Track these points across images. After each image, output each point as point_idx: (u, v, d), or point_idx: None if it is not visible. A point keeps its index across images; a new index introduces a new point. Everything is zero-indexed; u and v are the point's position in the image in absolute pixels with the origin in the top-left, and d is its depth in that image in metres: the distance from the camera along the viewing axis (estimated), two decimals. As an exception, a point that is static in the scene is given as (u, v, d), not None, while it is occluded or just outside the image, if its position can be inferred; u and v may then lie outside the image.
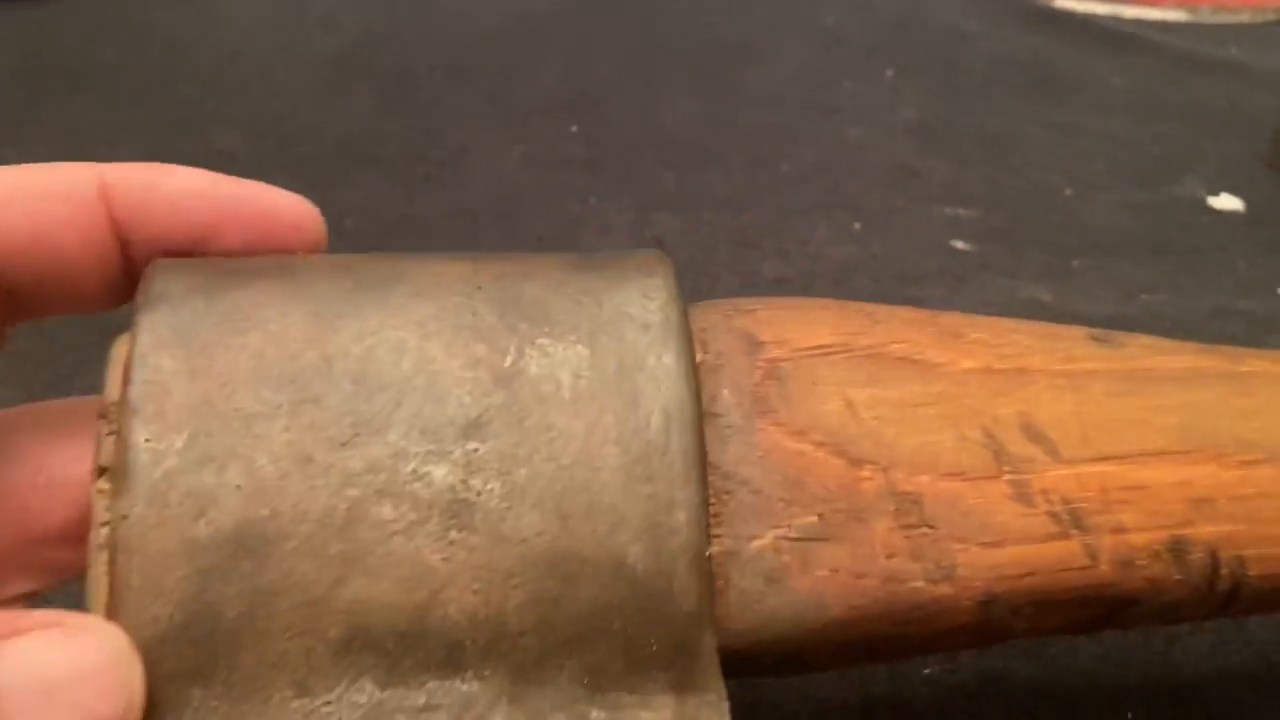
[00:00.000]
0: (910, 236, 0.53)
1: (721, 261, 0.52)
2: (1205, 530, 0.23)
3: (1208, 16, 0.72)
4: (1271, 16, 0.72)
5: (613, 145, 0.60)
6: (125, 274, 0.23)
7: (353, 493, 0.19)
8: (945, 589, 0.21)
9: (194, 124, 0.57)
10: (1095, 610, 0.23)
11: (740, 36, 0.70)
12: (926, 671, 0.33)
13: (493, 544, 0.19)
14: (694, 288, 0.50)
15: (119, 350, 0.20)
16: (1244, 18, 0.72)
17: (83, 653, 0.17)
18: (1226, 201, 0.55)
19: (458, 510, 0.19)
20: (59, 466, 0.24)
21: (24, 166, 0.23)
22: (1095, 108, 0.63)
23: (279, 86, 0.62)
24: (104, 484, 0.19)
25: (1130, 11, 0.73)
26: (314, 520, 0.19)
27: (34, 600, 0.25)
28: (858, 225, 0.54)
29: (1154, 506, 0.23)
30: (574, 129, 0.61)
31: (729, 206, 0.55)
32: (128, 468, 0.19)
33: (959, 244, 0.53)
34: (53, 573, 0.24)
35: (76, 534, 0.24)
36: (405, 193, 0.55)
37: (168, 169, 0.24)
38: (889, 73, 0.66)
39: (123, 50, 0.65)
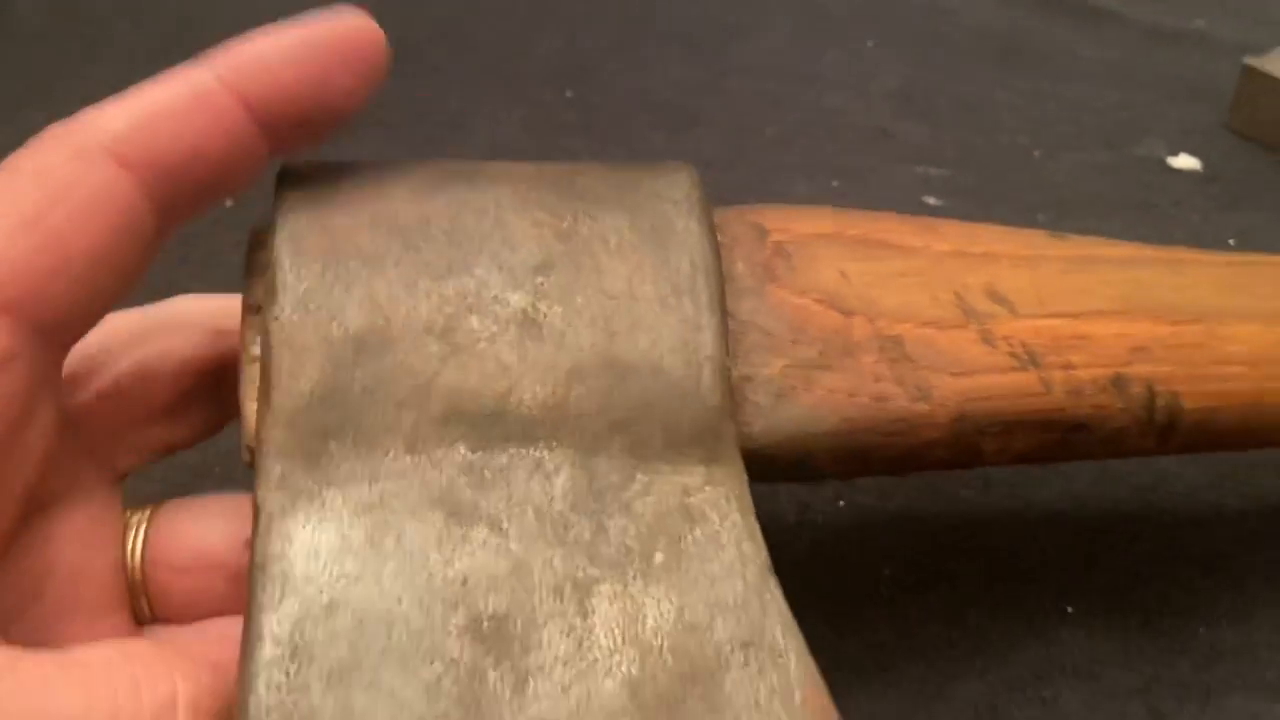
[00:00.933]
0: (885, 193, 0.58)
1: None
2: (1143, 369, 0.28)
3: (1173, -6, 0.77)
4: (1235, -6, 0.77)
5: (606, 110, 0.65)
6: (269, 149, 0.26)
7: (449, 309, 0.24)
8: (923, 406, 0.26)
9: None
10: (1052, 434, 0.28)
11: (729, 10, 0.74)
12: (887, 572, 0.38)
13: (557, 351, 0.24)
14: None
15: (256, 231, 0.27)
16: (1208, -5, 0.77)
17: None
18: (1185, 161, 0.61)
19: (529, 326, 0.24)
20: (154, 361, 0.29)
21: (149, 89, 0.25)
22: (1065, 76, 0.68)
23: (287, 54, 0.67)
24: (251, 318, 0.25)
25: (1099, -11, 0.77)
26: (419, 327, 0.24)
27: (134, 474, 0.30)
28: (836, 183, 0.59)
29: (1098, 350, 0.28)
30: (569, 95, 0.66)
31: (715, 166, 0.60)
32: (277, 287, 0.24)
33: (930, 200, 0.58)
34: (149, 450, 0.30)
35: (168, 415, 0.29)
36: (410, 154, 0.59)
37: (257, 35, 0.26)
38: (870, 44, 0.71)
39: (137, 21, 0.69)
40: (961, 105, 0.65)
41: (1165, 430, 0.28)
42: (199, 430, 0.30)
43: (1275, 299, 0.30)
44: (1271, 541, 0.40)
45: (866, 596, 0.37)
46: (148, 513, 0.28)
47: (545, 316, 0.25)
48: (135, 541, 0.28)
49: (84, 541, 0.27)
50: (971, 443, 0.27)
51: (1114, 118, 0.64)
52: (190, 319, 0.30)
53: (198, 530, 0.28)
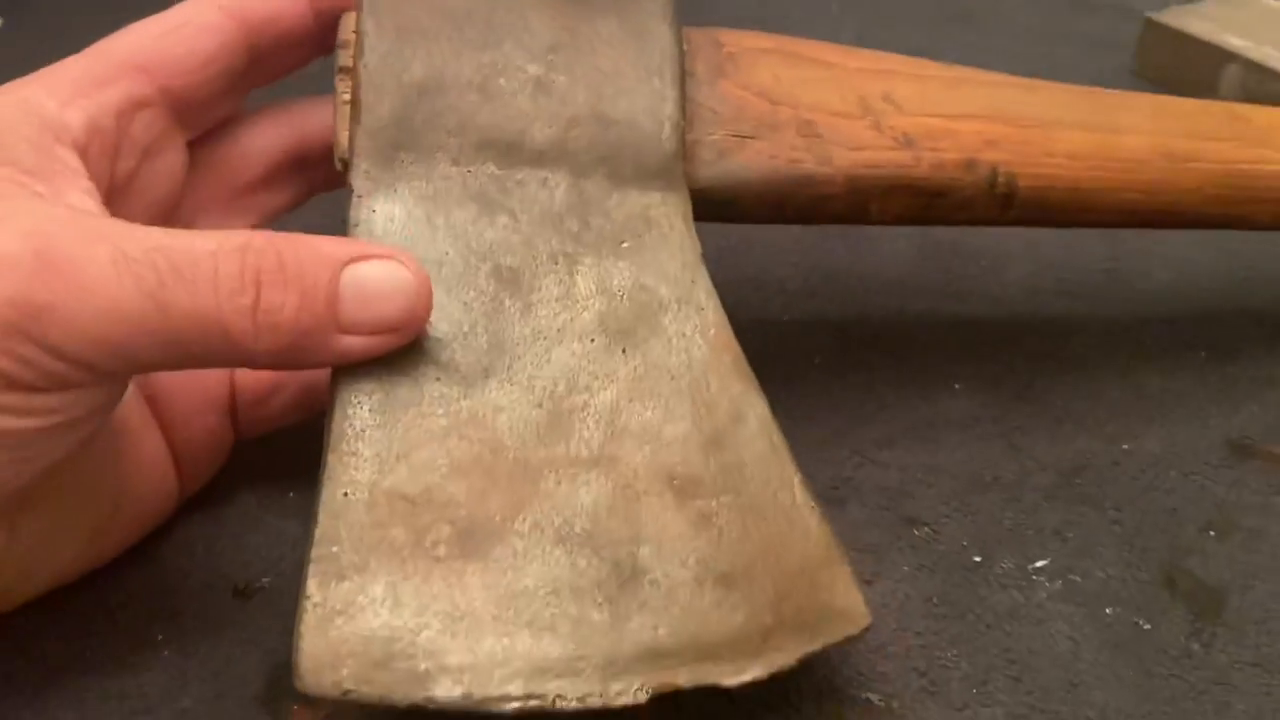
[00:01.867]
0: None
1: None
2: (990, 155, 0.37)
3: (1103, -24, 0.86)
4: (1156, -22, 0.86)
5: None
6: (319, 35, 0.36)
7: (484, 72, 0.33)
8: (826, 168, 0.35)
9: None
10: (920, 198, 0.37)
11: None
12: (818, 360, 0.46)
13: (561, 105, 0.33)
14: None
15: (347, 17, 0.35)
16: (1132, -23, 0.86)
17: (398, 281, 0.29)
18: (1094, 95, 0.70)
19: (541, 86, 0.33)
20: (251, 140, 0.38)
21: None
22: (1002, 34, 0.77)
23: None
24: (342, 76, 0.34)
25: (1039, -31, 0.86)
26: (463, 81, 0.33)
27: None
28: (802, 106, 0.68)
29: (959, 141, 0.37)
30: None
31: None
32: (365, 48, 0.33)
33: (881, 120, 0.67)
34: (253, 212, 0.39)
35: (265, 184, 0.38)
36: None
37: None
38: (833, 5, 0.80)
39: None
40: (911, 51, 0.74)
41: (1005, 200, 0.37)
42: (289, 200, 0.39)
43: (1097, 116, 0.39)
44: (1123, 348, 0.49)
45: (801, 377, 0.46)
46: None
47: (554, 82, 0.34)
48: None
49: None
50: (861, 201, 0.36)
51: (1038, 66, 0.72)
52: (276, 115, 0.39)
53: None
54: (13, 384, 0.27)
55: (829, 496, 0.40)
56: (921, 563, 0.38)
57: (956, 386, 0.46)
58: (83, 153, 0.31)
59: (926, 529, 0.40)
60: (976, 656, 0.35)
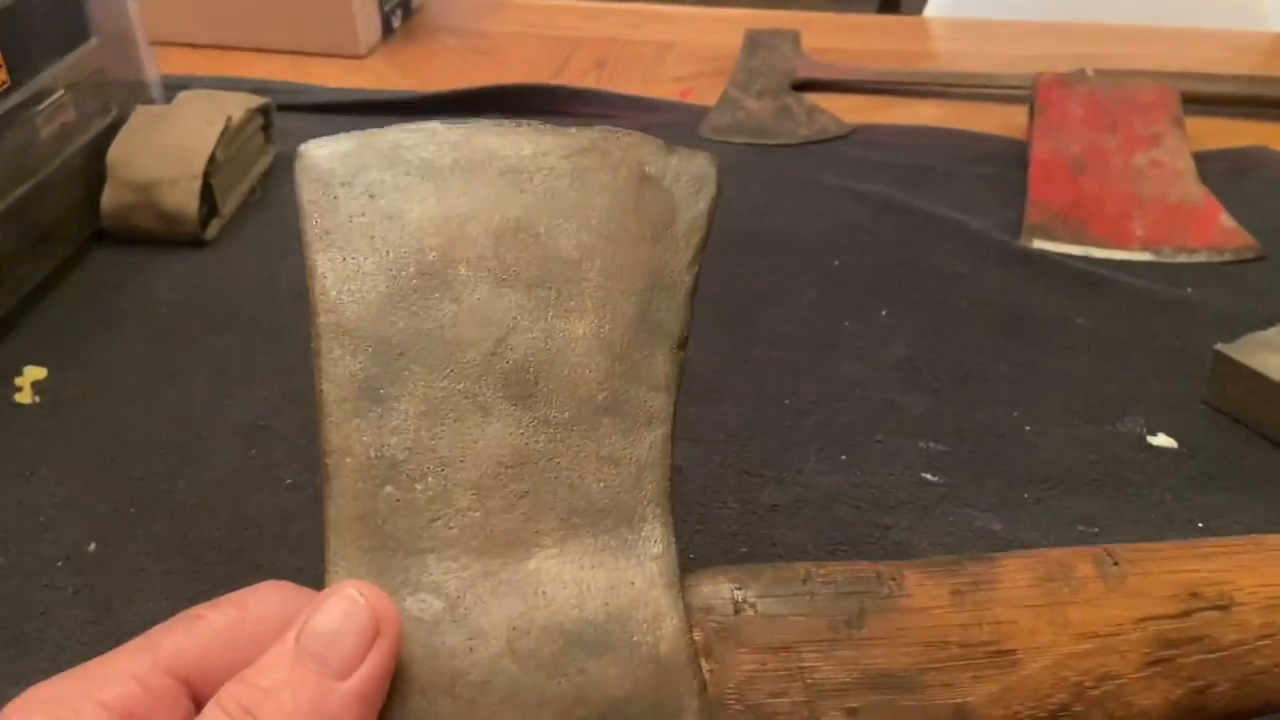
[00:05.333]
0: (888, 467, 0.58)
1: (728, 488, 0.57)
2: None
3: (1169, 256, 0.76)
4: (1228, 256, 0.76)
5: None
6: None
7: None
8: None
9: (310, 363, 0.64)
10: None
11: (760, 276, 0.75)
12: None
13: None
14: (703, 513, 0.55)
15: None
16: (1201, 257, 0.76)
17: (348, 609, 0.31)
18: (1163, 440, 0.59)
19: None
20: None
21: None
22: (1058, 346, 0.67)
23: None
24: None
25: (1100, 253, 0.77)
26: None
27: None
28: (844, 456, 0.59)
29: None
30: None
31: (738, 438, 0.61)
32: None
33: (928, 475, 0.58)
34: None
35: None
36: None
37: None
38: (884, 312, 0.71)
39: (257, 299, 0.72)
40: (961, 378, 0.65)
41: None
42: None
43: None
44: None
45: None
46: None
47: None
48: None
49: None
50: None
51: (1100, 391, 0.64)
52: None
53: None
54: None
55: None
56: None
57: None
58: None
59: None
60: None
